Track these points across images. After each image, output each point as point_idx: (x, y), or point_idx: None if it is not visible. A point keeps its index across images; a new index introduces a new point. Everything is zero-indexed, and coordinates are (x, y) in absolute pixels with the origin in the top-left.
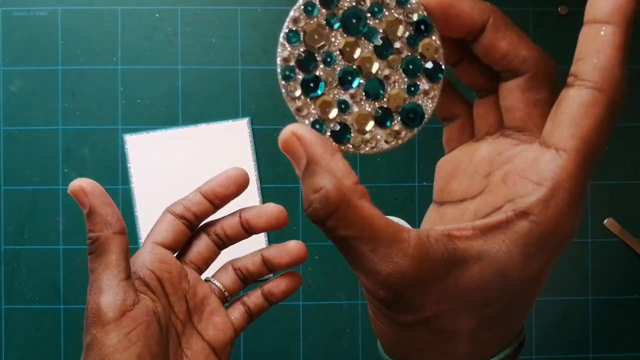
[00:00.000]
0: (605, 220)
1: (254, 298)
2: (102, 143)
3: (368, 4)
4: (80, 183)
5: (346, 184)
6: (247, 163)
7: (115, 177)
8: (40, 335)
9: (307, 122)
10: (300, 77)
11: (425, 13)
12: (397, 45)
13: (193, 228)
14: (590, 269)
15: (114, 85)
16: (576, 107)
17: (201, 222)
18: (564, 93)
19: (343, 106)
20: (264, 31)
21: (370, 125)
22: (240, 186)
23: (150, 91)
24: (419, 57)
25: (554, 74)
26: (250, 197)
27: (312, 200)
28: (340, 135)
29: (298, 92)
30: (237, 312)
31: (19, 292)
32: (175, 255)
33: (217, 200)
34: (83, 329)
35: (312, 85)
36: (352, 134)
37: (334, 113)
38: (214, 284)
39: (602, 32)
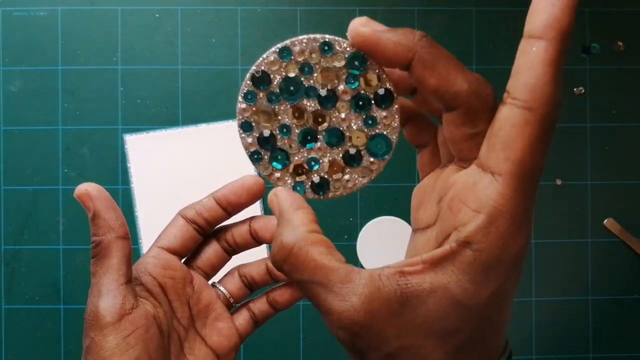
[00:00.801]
0: (605, 220)
1: (260, 304)
2: (102, 143)
3: (296, 70)
4: (87, 187)
5: (299, 232)
6: (247, 163)
7: (115, 177)
8: (40, 335)
9: (289, 186)
10: (266, 157)
11: (353, 50)
12: (340, 89)
13: (204, 233)
14: (590, 269)
15: (114, 85)
16: (508, 128)
17: (213, 227)
18: (499, 111)
19: (313, 163)
20: (264, 31)
21: (343, 170)
22: (254, 196)
23: (150, 91)
24: (364, 92)
25: (490, 104)
26: None
27: (273, 246)
28: (321, 186)
29: (269, 170)
30: (242, 318)
31: (19, 292)
32: (183, 259)
33: (229, 208)
34: (83, 330)
35: (279, 157)
36: (331, 181)
37: (307, 172)
38: (220, 289)
39: (534, 48)
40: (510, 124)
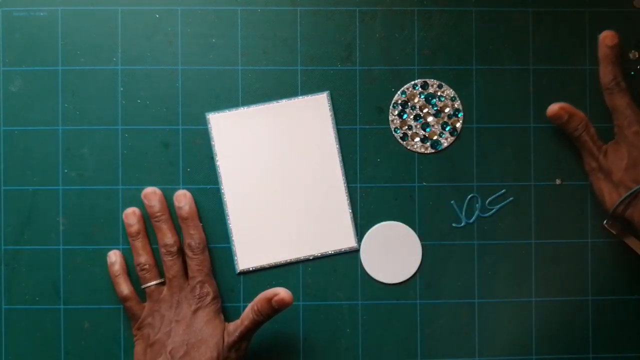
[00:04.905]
0: (605, 221)
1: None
2: (102, 143)
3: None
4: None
5: None
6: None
7: (115, 177)
8: (40, 335)
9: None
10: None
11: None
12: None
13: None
14: (590, 269)
15: (114, 85)
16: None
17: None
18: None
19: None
20: (264, 31)
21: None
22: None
23: (150, 91)
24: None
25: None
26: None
27: None
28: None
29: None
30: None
31: (19, 292)
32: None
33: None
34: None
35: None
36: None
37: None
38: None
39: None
40: None
